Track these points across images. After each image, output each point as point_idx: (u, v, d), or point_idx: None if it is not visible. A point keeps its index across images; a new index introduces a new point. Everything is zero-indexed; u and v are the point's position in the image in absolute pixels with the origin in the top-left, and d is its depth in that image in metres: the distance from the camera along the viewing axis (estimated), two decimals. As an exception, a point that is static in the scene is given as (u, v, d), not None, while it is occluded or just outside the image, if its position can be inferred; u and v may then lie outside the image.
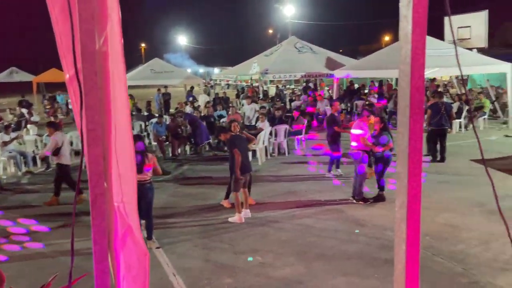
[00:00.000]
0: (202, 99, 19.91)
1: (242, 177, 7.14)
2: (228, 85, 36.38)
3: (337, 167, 9.89)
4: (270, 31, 59.06)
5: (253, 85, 23.23)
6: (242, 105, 18.43)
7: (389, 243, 6.05)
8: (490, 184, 1.56)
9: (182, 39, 62.39)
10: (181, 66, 29.75)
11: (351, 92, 20.52)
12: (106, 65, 1.48)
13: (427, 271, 5.09)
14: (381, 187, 8.06)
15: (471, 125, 14.75)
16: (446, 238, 6.17)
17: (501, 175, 9.04)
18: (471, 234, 6.30)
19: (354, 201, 7.98)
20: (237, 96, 26.34)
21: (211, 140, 13.35)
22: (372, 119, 8.35)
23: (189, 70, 38.21)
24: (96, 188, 1.37)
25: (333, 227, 6.84)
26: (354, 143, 8.04)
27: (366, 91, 22.07)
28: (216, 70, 46.65)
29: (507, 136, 13.77)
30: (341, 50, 34.66)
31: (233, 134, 7.36)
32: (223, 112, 16.08)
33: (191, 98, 19.28)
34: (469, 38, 17.92)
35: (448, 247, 5.90)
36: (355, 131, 8.02)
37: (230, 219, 7.21)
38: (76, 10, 1.26)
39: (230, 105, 18.96)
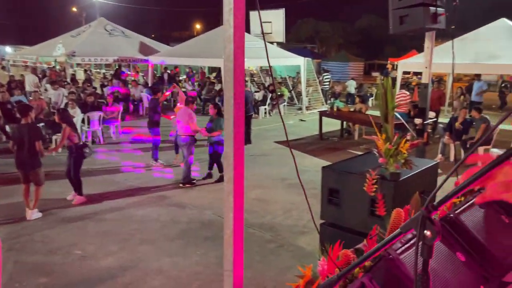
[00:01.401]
0: (29, 80, 17.08)
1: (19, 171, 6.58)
2: (26, 66, 32.09)
3: (156, 155, 9.70)
4: (74, 9, 53.91)
5: (56, 67, 21.09)
6: (46, 89, 16.59)
7: (208, 222, 6.53)
8: (289, 162, 1.94)
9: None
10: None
11: (169, 79, 20.62)
12: None
13: (242, 242, 5.70)
14: (220, 169, 8.45)
15: (274, 111, 16.71)
16: (257, 211, 6.96)
17: (298, 153, 10.56)
18: (277, 206, 7.25)
19: (181, 185, 8.18)
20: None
21: (8, 130, 11.70)
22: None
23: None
24: None
25: (155, 212, 6.95)
26: (180, 128, 8.24)
27: (181, 78, 22.48)
28: (8, 49, 40.61)
29: (301, 120, 16.03)
30: (153, 36, 34.27)
31: (21, 123, 6.52)
32: (22, 97, 14.20)
33: None
34: (271, 33, 19.95)
35: (259, 219, 6.68)
36: (181, 117, 8.26)
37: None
38: None
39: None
